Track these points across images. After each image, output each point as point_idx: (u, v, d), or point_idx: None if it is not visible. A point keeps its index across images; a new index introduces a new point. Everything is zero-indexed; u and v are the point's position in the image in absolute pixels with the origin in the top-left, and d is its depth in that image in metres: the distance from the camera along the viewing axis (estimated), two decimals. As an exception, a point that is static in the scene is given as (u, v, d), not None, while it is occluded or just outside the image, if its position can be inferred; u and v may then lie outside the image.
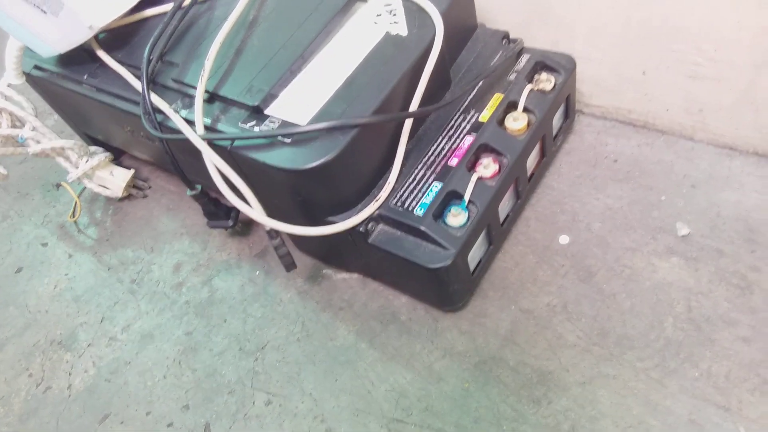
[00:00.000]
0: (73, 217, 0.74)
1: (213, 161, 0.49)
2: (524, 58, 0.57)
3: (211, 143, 0.49)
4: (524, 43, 0.59)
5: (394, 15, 0.54)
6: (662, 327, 0.49)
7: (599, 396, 0.47)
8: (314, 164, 0.45)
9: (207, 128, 0.51)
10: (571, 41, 0.59)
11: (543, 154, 0.58)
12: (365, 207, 0.50)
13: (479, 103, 0.55)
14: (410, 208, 0.49)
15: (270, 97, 0.50)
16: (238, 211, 0.64)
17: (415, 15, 0.53)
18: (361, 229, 0.49)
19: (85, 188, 0.76)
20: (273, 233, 0.52)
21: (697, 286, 0.50)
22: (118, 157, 0.78)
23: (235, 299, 0.61)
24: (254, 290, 0.61)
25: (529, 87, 0.54)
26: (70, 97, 0.65)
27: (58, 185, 0.78)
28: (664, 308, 0.50)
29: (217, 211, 0.62)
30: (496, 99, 0.54)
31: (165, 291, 0.64)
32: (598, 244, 0.54)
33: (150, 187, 0.75)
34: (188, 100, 0.54)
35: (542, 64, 0.56)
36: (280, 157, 0.47)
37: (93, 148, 0.74)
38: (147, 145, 0.64)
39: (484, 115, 0.54)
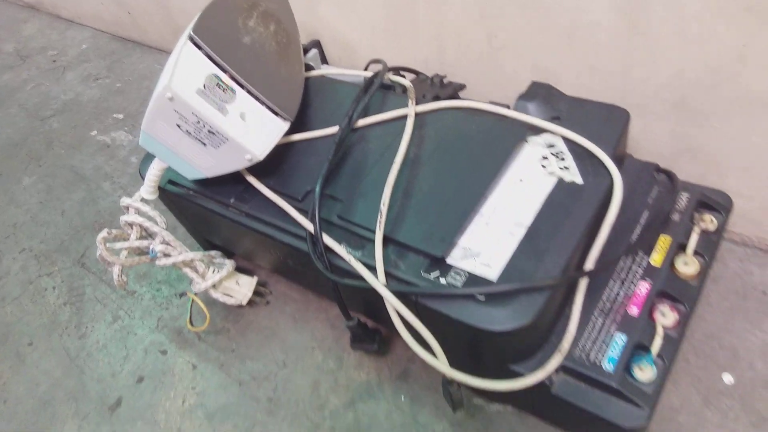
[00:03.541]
0: (194, 326, 0.74)
1: (399, 311, 0.49)
2: (684, 196, 0.58)
3: (397, 293, 0.50)
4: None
5: (563, 159, 0.55)
6: None
7: None
8: (515, 326, 0.45)
9: (386, 274, 0.51)
10: (722, 177, 0.60)
11: (697, 287, 0.59)
12: (548, 358, 0.49)
13: (645, 245, 0.55)
14: (597, 362, 0.49)
15: (449, 245, 0.51)
16: (381, 335, 0.64)
17: (584, 159, 0.54)
18: (546, 382, 0.49)
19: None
20: (453, 382, 0.52)
21: None
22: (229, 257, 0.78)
23: (383, 427, 0.60)
24: (403, 419, 0.61)
25: (697, 229, 0.55)
26: (209, 216, 0.65)
27: (182, 294, 0.78)
28: None
29: (363, 335, 0.62)
30: (664, 241, 0.55)
31: (306, 413, 0.63)
32: (765, 385, 0.55)
33: (271, 293, 0.75)
34: (357, 240, 0.54)
35: (701, 202, 0.57)
36: (476, 317, 0.47)
37: (213, 253, 0.75)
38: (293, 269, 0.64)
39: (654, 259, 0.54)
